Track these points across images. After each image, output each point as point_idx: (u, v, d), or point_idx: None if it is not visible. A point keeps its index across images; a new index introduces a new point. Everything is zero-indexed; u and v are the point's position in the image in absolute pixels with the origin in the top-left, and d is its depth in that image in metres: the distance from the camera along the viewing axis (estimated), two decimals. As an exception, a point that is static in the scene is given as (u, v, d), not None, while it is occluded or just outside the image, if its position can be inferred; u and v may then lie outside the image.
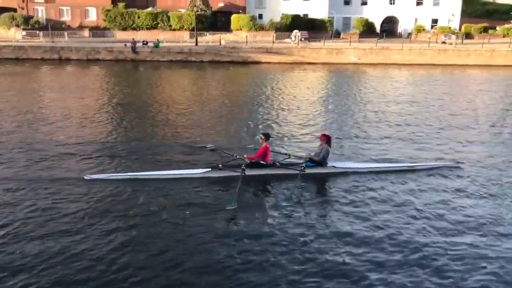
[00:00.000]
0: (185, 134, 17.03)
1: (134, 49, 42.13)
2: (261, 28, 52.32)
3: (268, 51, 45.09)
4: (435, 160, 14.22)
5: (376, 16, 60.38)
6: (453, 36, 51.15)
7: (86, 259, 8.03)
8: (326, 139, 12.69)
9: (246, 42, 46.26)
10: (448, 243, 8.94)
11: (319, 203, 10.88)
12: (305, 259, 8.25)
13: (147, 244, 8.58)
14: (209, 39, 48.07)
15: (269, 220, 9.75)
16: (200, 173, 12.00)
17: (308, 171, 12.16)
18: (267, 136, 12.44)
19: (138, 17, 51.18)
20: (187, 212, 9.95)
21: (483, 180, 12.63)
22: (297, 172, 11.95)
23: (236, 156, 12.49)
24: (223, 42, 46.65)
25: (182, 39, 48.06)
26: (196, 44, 44.91)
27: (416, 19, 60.97)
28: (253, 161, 12.08)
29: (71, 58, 42.10)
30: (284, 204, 10.42)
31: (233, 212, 9.97)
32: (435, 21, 61.03)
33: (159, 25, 51.69)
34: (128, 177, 11.83)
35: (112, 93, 26.78)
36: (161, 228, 9.25)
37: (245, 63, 43.01)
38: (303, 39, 51.11)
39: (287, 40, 50.36)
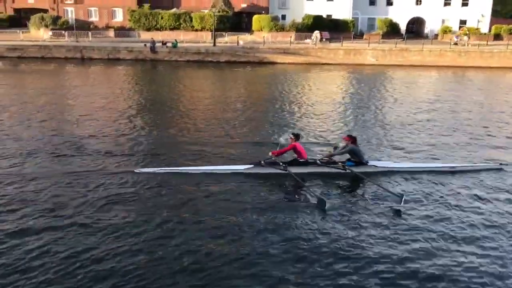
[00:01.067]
0: (225, 131, 17.70)
1: (153, 49, 43.25)
2: (282, 28, 52.53)
3: (285, 51, 45.33)
4: (477, 162, 14.17)
5: (401, 16, 59.48)
6: (465, 37, 49.84)
7: (136, 246, 8.59)
8: (352, 139, 12.85)
9: (264, 42, 46.62)
10: (488, 248, 8.87)
11: (363, 201, 10.96)
12: (349, 257, 8.37)
13: (188, 235, 9.04)
14: (228, 39, 48.67)
15: (313, 218, 9.92)
16: (243, 169, 12.47)
17: (350, 169, 12.39)
18: (296, 136, 12.86)
19: (162, 18, 52.41)
20: (231, 205, 10.40)
21: None
22: (340, 170, 12.29)
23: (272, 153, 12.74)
24: (241, 43, 47.18)
25: (202, 40, 48.81)
26: (214, 45, 45.64)
27: (443, 20, 59.67)
28: (277, 155, 12.48)
29: (93, 57, 43.61)
30: (329, 204, 10.41)
31: (274, 207, 10.34)
32: (463, 22, 59.56)
33: (181, 25, 52.74)
34: (176, 171, 12.41)
35: (139, 92, 27.91)
36: (201, 220, 9.69)
37: (261, 63, 43.44)
38: (324, 39, 51.08)
39: (307, 40, 50.41)
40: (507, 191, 11.80)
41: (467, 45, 47.87)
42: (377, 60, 44.90)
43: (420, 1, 59.76)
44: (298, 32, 52.23)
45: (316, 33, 49.59)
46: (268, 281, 7.60)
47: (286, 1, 58.52)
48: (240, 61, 43.63)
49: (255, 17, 53.40)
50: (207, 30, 52.03)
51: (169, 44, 44.57)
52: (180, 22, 52.72)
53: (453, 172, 13.08)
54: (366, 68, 42.83)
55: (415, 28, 61.63)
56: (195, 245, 8.66)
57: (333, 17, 57.34)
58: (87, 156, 13.92)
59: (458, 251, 8.69)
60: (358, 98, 26.31)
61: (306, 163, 12.56)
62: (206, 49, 44.04)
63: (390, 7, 60.16)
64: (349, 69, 42.00)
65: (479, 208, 10.68)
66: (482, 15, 59.35)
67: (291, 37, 48.61)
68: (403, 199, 10.50)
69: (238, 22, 55.83)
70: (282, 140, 13.21)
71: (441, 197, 11.28)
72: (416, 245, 8.79)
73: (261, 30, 52.71)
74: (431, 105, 24.29)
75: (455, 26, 58.93)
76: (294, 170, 12.19)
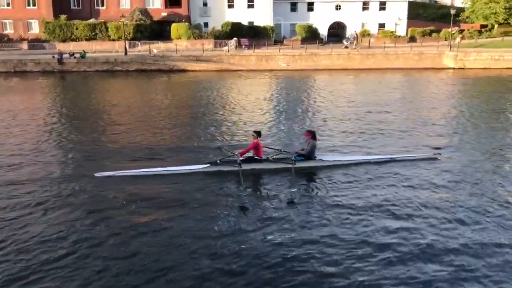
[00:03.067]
0: (165, 134, 18.70)
1: (60, 60, 42.61)
2: (200, 36, 52.76)
3: (198, 59, 45.51)
4: (414, 152, 15.54)
5: (322, 22, 60.75)
6: (354, 41, 51.29)
7: (97, 251, 8.89)
8: (311, 134, 13.83)
9: (176, 50, 46.68)
10: (426, 231, 9.75)
11: (311, 194, 11.92)
12: (295, 245, 9.10)
13: (152, 235, 9.53)
14: (141, 48, 48.53)
15: (264, 211, 10.71)
16: (200, 168, 13.26)
17: (298, 164, 13.23)
18: (258, 134, 13.66)
19: (77, 29, 51.74)
20: (190, 204, 11.10)
21: (457, 170, 13.78)
22: (290, 166, 13.08)
23: (233, 153, 13.66)
24: (154, 51, 47.12)
25: (115, 49, 48.42)
26: (126, 54, 45.40)
27: (363, 24, 61.32)
28: (244, 155, 13.30)
29: (-1, 70, 42.59)
30: (279, 197, 11.45)
31: (230, 203, 11.19)
32: (382, 25, 61.38)
33: (97, 35, 52.22)
34: (135, 173, 13.02)
35: (54, 102, 28.29)
36: (164, 219, 10.24)
37: (172, 71, 43.38)
38: (243, 46, 51.64)
39: (225, 48, 50.83)
40: (442, 178, 13.05)
41: (357, 48, 49.12)
42: (288, 65, 45.65)
43: (340, 7, 61.19)
44: (216, 39, 52.60)
45: (232, 41, 50.04)
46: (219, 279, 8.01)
47: (208, 9, 58.80)
48: (150, 69, 43.48)
49: (173, 25, 53.46)
50: (124, 39, 51.70)
51: (77, 55, 44.01)
52: (96, 32, 52.19)
53: (392, 162, 14.37)
54: (278, 73, 43.48)
55: (337, 33, 63.01)
56: (157, 246, 9.09)
57: (255, 23, 58.00)
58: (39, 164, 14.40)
59: (395, 231, 9.72)
60: (281, 101, 27.37)
61: (260, 161, 13.43)
62: (115, 59, 43.73)
63: (311, 13, 61.33)
64: (260, 74, 42.54)
65: (416, 193, 11.84)
66: (399, 19, 61.31)
67: (203, 44, 48.78)
68: (293, 201, 11.37)
69: (160, 30, 55.67)
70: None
71: (378, 185, 12.46)
72: (353, 230, 9.78)
73: (180, 38, 52.81)
74: (354, 104, 25.65)
75: (374, 30, 60.66)
76: (248, 167, 13.05)
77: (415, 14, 69.32)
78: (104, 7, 56.82)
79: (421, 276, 8.18)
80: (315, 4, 61.19)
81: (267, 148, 14.52)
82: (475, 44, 49.45)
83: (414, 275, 8.20)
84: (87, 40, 51.76)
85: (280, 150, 14.11)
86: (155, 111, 24.29)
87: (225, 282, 7.93)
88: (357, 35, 53.15)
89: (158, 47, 48.26)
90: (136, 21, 52.08)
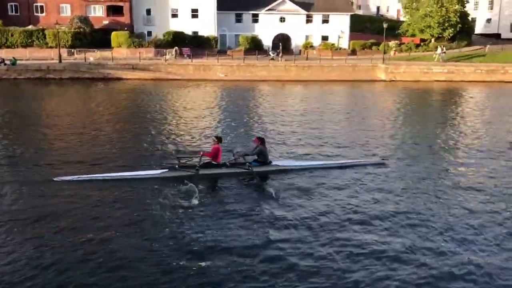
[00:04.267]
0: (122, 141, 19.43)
1: (-11, 67, 41.48)
2: (141, 44, 52.44)
3: (134, 67, 45.20)
4: (363, 158, 16.60)
5: (267, 33, 61.43)
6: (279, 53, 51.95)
7: (51, 257, 9.14)
8: (260, 141, 14.56)
9: (112, 59, 46.22)
10: (370, 234, 10.44)
11: (264, 197, 12.63)
12: (250, 247, 9.72)
13: (108, 240, 9.87)
14: (77, 56, 47.82)
15: (220, 214, 11.32)
16: (159, 173, 13.65)
17: (255, 169, 13.92)
18: (219, 139, 14.33)
19: (12, 35, 50.52)
20: (147, 208, 11.58)
21: (403, 175, 14.87)
22: (245, 170, 13.83)
23: (190, 157, 14.59)
24: (91, 59, 46.53)
25: (51, 57, 47.47)
26: (60, 61, 44.62)
27: (307, 36, 62.35)
28: (206, 158, 13.89)
29: None
30: (232, 200, 12.19)
31: (188, 206, 11.71)
32: (325, 38, 62.53)
33: (35, 42, 51.14)
34: (95, 178, 13.38)
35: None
36: (121, 223, 10.65)
37: (106, 79, 42.91)
38: (185, 55, 51.58)
39: (167, 56, 50.68)
40: (389, 182, 14.10)
41: (280, 60, 49.94)
42: (226, 76, 45.91)
43: (284, 19, 62.08)
44: (157, 48, 52.39)
45: (172, 50, 50.00)
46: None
47: (151, 18, 58.54)
48: (84, 78, 42.86)
49: (113, 33, 52.92)
50: (62, 47, 50.80)
51: (7, 62, 42.94)
52: (33, 39, 51.09)
53: (343, 167, 15.24)
54: (216, 83, 43.62)
55: (282, 44, 63.73)
56: (113, 248, 9.49)
57: (199, 33, 58.11)
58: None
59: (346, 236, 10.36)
60: (218, 110, 28.45)
61: (217, 165, 13.93)
62: (47, 66, 42.92)
63: (256, 24, 61.93)
64: (200, 84, 42.53)
65: (365, 196, 12.75)
66: (342, 31, 62.66)
67: (140, 53, 48.43)
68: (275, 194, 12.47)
69: (101, 39, 54.88)
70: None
71: (330, 188, 13.32)
72: (300, 232, 10.50)
73: (120, 47, 52.33)
74: (291, 115, 26.70)
75: (317, 42, 61.71)
76: (205, 171, 13.64)
77: (363, 27, 71.15)
78: (44, 14, 55.78)
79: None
80: (259, 15, 61.86)
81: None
82: (409, 57, 50.97)
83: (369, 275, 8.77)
84: (23, 47, 50.56)
85: (234, 154, 14.72)
86: (91, 118, 24.57)
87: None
88: (280, 47, 53.55)
89: (94, 55, 47.63)
90: (75, 28, 51.25)
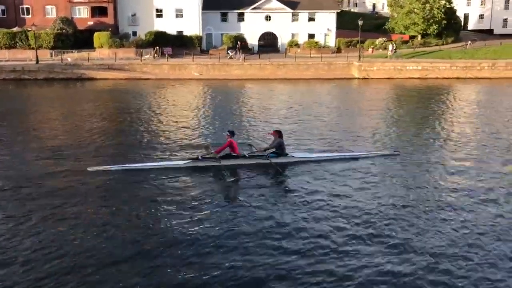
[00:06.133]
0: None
1: (-35, 68, 42.43)
2: (122, 45, 53.02)
3: (110, 67, 45.76)
4: (377, 149, 17.41)
5: (253, 32, 61.50)
6: (238, 52, 51.64)
7: (86, 243, 9.86)
8: (278, 134, 15.38)
9: (88, 59, 46.89)
10: (389, 224, 10.93)
11: (283, 186, 13.62)
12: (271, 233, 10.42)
13: (136, 226, 10.74)
14: (55, 57, 48.60)
15: (243, 203, 12.03)
16: (183, 163, 14.74)
17: (273, 160, 14.78)
18: (231, 133, 15.18)
19: (-4, 37, 51.60)
20: (172, 196, 12.51)
21: (415, 166, 15.46)
22: (266, 161, 14.75)
23: (210, 151, 15.48)
24: (68, 60, 47.26)
25: (29, 58, 48.25)
26: (37, 62, 45.45)
27: (293, 34, 62.24)
28: (220, 152, 14.77)
29: None
30: (253, 189, 12.95)
31: (211, 194, 12.60)
32: (311, 36, 62.29)
33: (18, 44, 52.12)
34: (124, 168, 14.54)
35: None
36: (149, 210, 11.57)
37: (80, 79, 43.52)
38: (166, 54, 51.97)
39: (147, 56, 51.21)
40: (404, 171, 14.81)
41: (239, 59, 49.73)
42: (201, 74, 46.17)
43: (270, 17, 62.04)
44: (138, 48, 52.87)
45: (149, 49, 50.51)
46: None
47: (136, 19, 59.11)
48: (59, 78, 43.57)
49: (95, 34, 53.57)
50: (45, 48, 51.74)
51: (-16, 63, 43.90)
52: (16, 40, 52.08)
53: (358, 159, 15.94)
54: (191, 82, 43.95)
55: (270, 42, 63.74)
56: (147, 233, 10.25)
57: (184, 33, 58.47)
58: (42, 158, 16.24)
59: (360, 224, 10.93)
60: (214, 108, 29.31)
61: (237, 157, 14.89)
62: (22, 67, 43.75)
63: (241, 23, 62.03)
64: (174, 83, 42.85)
65: (379, 187, 13.38)
66: (328, 29, 62.35)
67: (115, 53, 48.97)
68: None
69: (86, 39, 55.61)
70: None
71: (345, 179, 13.98)
72: (325, 221, 11.07)
73: (102, 47, 53.00)
74: (262, 112, 27.64)
75: (303, 40, 61.47)
76: (226, 163, 14.64)
77: (355, 24, 70.60)
78: (30, 16, 56.73)
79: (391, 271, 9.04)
80: (245, 14, 61.91)
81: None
82: (397, 54, 50.28)
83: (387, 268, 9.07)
84: (7, 48, 51.51)
85: (251, 146, 16.06)
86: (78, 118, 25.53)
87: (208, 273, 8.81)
88: (239, 46, 53.36)
89: (72, 55, 48.33)
90: (57, 30, 52.07)
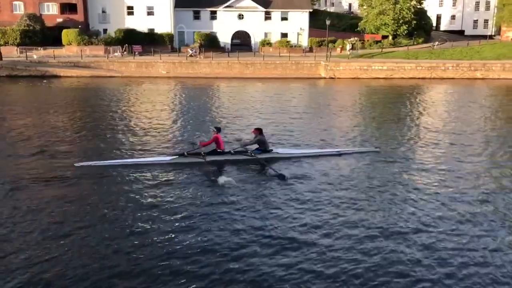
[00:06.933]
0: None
1: None
2: (90, 42, 52.50)
3: (75, 65, 45.28)
4: (358, 146, 17.71)
5: (225, 30, 61.38)
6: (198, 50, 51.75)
7: (72, 239, 9.84)
8: (259, 131, 15.63)
9: (54, 57, 46.34)
10: (366, 220, 11.05)
11: (268, 182, 13.61)
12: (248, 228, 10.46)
13: (129, 219, 10.85)
14: (21, 54, 47.95)
15: (228, 199, 12.14)
16: (169, 159, 14.95)
17: (257, 156, 15.09)
18: (218, 129, 15.57)
19: (-40, 33, 50.72)
20: (160, 191, 12.63)
21: (396, 162, 15.88)
22: (249, 157, 15.08)
23: (195, 143, 16.06)
24: (34, 57, 46.65)
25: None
26: (1, 59, 44.78)
27: (265, 33, 62.25)
28: (205, 146, 15.03)
29: None
30: (239, 184, 13.07)
31: (197, 190, 12.72)
32: (284, 35, 62.38)
33: (-17, 40, 51.35)
34: (112, 163, 14.70)
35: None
36: (135, 206, 11.61)
37: (44, 77, 42.90)
38: (136, 52, 51.60)
39: (116, 53, 50.83)
40: (384, 168, 15.06)
41: (199, 57, 50.00)
42: (168, 72, 45.92)
43: (243, 16, 61.96)
44: (107, 45, 52.40)
45: (116, 47, 50.10)
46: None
47: (107, 16, 58.56)
48: (21, 75, 42.94)
49: (64, 31, 52.95)
50: (11, 44, 51.02)
51: None
52: (-18, 37, 51.29)
53: (339, 155, 16.26)
54: (158, 80, 43.68)
55: (243, 41, 63.70)
56: (133, 230, 10.23)
57: (155, 31, 58.11)
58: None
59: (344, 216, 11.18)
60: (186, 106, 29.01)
61: (223, 153, 15.14)
62: (-17, 64, 43.07)
63: (214, 21, 61.86)
64: (141, 81, 42.49)
65: (359, 183, 13.59)
66: (301, 29, 62.48)
67: (82, 51, 48.55)
68: (286, 178, 13.61)
69: (55, 36, 54.94)
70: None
71: (326, 175, 14.21)
72: (303, 215, 11.21)
73: (70, 44, 52.43)
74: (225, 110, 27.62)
75: (276, 39, 61.56)
76: (212, 158, 14.84)
77: (330, 24, 70.78)
78: (-3, 12, 55.97)
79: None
80: (217, 13, 61.74)
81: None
82: (354, 54, 50.57)
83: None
84: (-28, 45, 50.68)
85: (239, 142, 16.26)
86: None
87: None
88: (201, 44, 53.39)
89: (38, 53, 47.71)
90: (24, 26, 51.36)
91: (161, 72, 45.94)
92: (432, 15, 69.72)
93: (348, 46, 49.91)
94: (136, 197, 12.25)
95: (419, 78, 44.49)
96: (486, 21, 66.28)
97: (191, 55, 50.19)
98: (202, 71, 46.35)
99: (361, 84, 41.86)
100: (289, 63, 46.90)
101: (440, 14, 71.73)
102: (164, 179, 13.71)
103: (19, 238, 9.97)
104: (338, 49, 50.14)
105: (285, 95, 35.36)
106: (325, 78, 45.04)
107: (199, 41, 54.21)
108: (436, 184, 13.78)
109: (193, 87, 39.39)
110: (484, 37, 59.90)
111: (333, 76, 44.63)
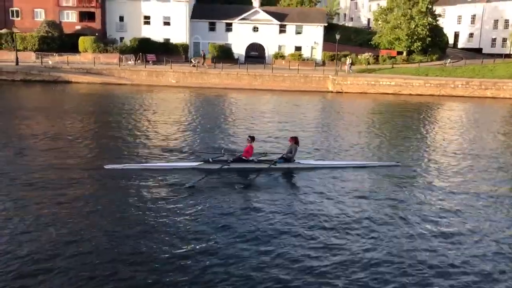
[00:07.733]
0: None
1: None
2: (106, 50, 53.71)
3: (88, 71, 46.37)
4: (378, 160, 17.96)
5: (240, 42, 62.03)
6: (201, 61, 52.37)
7: (102, 238, 10.18)
8: (294, 140, 16.07)
9: (68, 63, 47.55)
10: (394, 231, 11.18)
11: (286, 190, 14.19)
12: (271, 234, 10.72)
13: (157, 221, 11.25)
14: (36, 60, 49.37)
15: (248, 205, 12.54)
16: (196, 165, 15.43)
17: (279, 165, 15.52)
18: (252, 138, 16.11)
19: (-19, 38, 52.52)
20: (184, 196, 13.02)
21: (416, 177, 16.04)
22: (268, 166, 15.41)
23: (223, 153, 16.47)
24: (49, 62, 47.96)
25: (12, 60, 49.06)
26: (17, 64, 46.18)
27: (280, 46, 62.63)
28: (247, 157, 15.58)
29: None
30: (258, 192, 13.50)
31: (219, 195, 13.18)
32: (298, 49, 62.65)
33: (3, 45, 53.02)
34: (139, 167, 15.34)
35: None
36: (162, 207, 12.10)
37: (56, 82, 44.11)
38: (150, 61, 52.65)
39: (129, 62, 51.90)
40: (404, 182, 15.20)
41: (204, 66, 50.87)
42: (178, 82, 46.60)
43: (257, 28, 62.52)
44: (122, 54, 53.54)
45: (129, 55, 51.23)
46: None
47: (124, 25, 59.90)
48: (35, 80, 44.23)
49: (80, 38, 54.34)
50: (30, 50, 52.60)
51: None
52: (2, 42, 52.99)
53: (360, 168, 16.50)
54: (167, 89, 44.36)
55: (258, 53, 64.15)
56: (164, 231, 10.63)
57: (171, 41, 59.16)
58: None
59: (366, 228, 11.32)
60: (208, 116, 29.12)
61: (247, 161, 15.59)
62: (1, 68, 44.43)
63: (229, 33, 62.58)
64: (151, 89, 43.25)
65: (381, 196, 13.74)
66: (315, 42, 62.66)
67: (95, 58, 49.67)
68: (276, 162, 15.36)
69: (72, 43, 56.35)
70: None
71: (350, 186, 14.45)
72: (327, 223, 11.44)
73: (86, 51, 53.74)
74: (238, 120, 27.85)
75: (289, 52, 61.84)
76: (236, 165, 15.28)
77: (347, 39, 70.84)
78: (19, 18, 57.84)
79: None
80: (233, 25, 62.47)
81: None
82: (364, 69, 50.47)
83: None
84: (-6, 50, 52.48)
85: (266, 154, 16.71)
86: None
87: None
88: (204, 54, 53.96)
89: (53, 58, 49.06)
90: (43, 33, 52.90)
91: (171, 81, 46.64)
92: (450, 32, 69.08)
93: (348, 61, 49.83)
94: (160, 200, 12.63)
95: (427, 95, 44.05)
96: (504, 39, 65.23)
97: (194, 65, 50.87)
98: (211, 82, 46.89)
99: (369, 99, 41.71)
100: (297, 76, 47.09)
101: (458, 32, 71.05)
102: (188, 184, 13.96)
103: (51, 233, 10.33)
104: (349, 64, 50.05)
105: (295, 107, 35.52)
106: (332, 92, 44.98)
107: (202, 51, 55.03)
108: (456, 201, 13.63)
109: (203, 96, 39.75)
110: (501, 55, 58.94)
111: (340, 90, 44.60)
